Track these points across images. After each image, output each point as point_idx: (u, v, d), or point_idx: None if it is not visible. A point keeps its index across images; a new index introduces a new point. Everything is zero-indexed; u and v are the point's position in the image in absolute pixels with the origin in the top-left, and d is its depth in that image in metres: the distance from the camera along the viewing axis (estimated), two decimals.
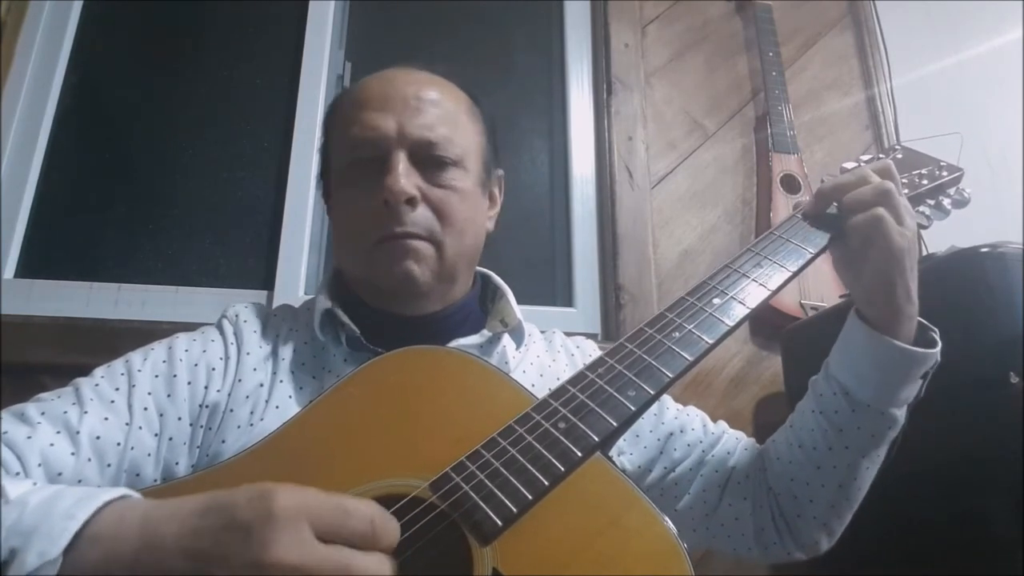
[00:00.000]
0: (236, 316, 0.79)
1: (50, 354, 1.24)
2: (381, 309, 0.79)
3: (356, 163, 0.78)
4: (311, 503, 0.43)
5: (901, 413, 0.75)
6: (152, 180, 1.53)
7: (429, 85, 0.80)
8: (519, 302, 0.87)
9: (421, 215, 0.75)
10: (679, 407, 0.90)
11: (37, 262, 1.42)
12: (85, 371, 0.70)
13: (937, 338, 0.75)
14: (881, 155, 0.90)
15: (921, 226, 0.84)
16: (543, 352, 0.88)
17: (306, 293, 1.46)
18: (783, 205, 1.63)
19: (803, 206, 0.80)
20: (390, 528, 0.45)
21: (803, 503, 0.78)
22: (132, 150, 1.55)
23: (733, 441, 0.87)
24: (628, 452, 0.84)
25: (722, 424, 0.90)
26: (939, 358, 0.75)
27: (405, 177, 0.74)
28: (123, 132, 1.55)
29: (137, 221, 1.48)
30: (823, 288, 1.52)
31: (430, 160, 0.77)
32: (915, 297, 0.73)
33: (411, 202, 0.74)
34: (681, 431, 0.86)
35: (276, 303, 1.32)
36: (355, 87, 0.83)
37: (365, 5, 1.78)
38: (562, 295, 1.62)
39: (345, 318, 0.76)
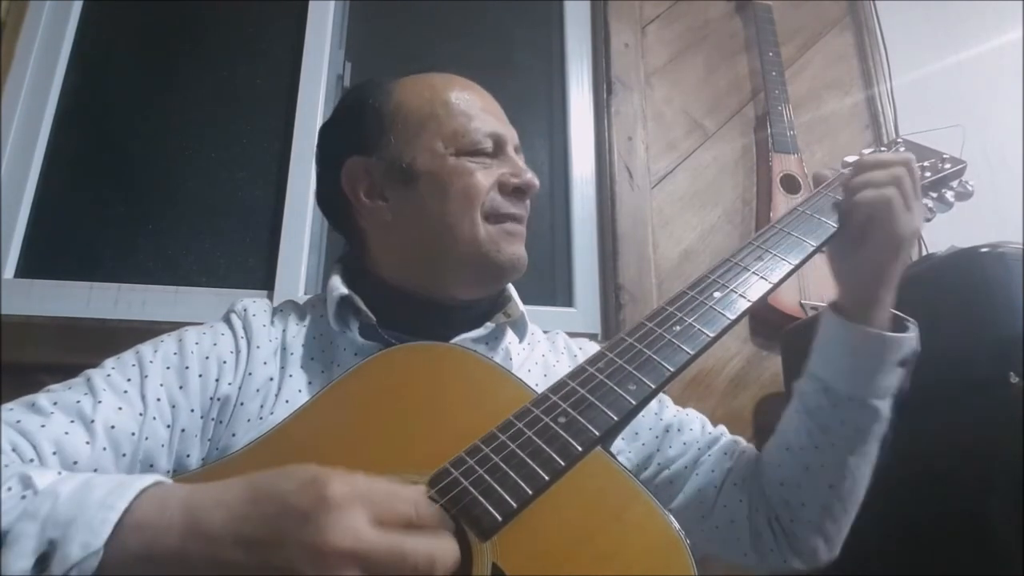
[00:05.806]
0: (244, 310, 0.79)
1: (50, 354, 1.24)
2: (411, 293, 0.79)
3: (470, 149, 0.79)
4: (362, 488, 0.43)
5: (883, 405, 0.74)
6: (152, 180, 1.53)
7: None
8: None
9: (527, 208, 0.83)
10: (679, 408, 0.90)
11: (37, 262, 1.42)
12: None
13: (912, 327, 0.75)
14: (883, 148, 0.90)
15: (925, 218, 0.84)
16: (547, 352, 0.88)
17: (306, 293, 1.46)
18: (783, 205, 1.63)
19: (825, 185, 0.79)
20: (430, 513, 0.45)
21: (795, 507, 0.77)
22: (132, 150, 1.54)
23: (731, 443, 0.86)
24: (627, 451, 0.84)
25: (721, 427, 0.90)
26: (917, 346, 0.74)
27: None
28: (123, 132, 1.55)
29: (137, 221, 1.48)
30: (823, 288, 1.52)
31: None
32: (895, 289, 0.74)
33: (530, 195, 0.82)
34: (679, 429, 0.86)
35: (276, 303, 1.32)
36: (437, 86, 0.83)
37: (365, 5, 1.78)
38: (562, 295, 1.62)
39: (362, 304, 0.76)
